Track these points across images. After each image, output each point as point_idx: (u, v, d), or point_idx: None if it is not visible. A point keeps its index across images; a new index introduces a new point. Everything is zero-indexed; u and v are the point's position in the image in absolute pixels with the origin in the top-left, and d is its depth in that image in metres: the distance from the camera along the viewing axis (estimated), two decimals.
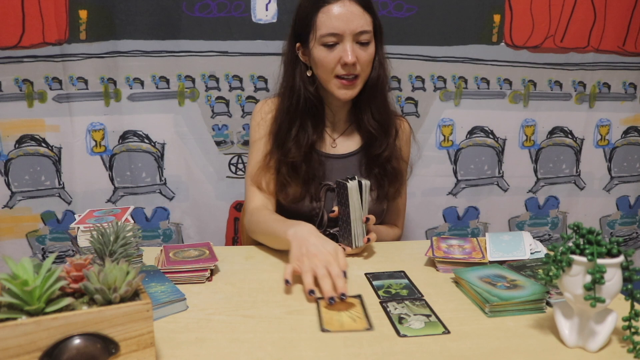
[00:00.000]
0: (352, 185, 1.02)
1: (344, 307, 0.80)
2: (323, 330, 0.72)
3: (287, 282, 0.87)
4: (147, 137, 1.53)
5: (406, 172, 1.31)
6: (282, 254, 1.07)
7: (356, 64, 1.11)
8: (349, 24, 1.09)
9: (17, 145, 1.48)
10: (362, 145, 1.25)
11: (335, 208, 1.09)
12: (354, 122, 1.26)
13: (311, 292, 0.83)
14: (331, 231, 1.20)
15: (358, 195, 1.03)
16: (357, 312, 0.78)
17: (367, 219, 1.04)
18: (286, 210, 1.21)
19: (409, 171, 1.35)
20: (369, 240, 1.04)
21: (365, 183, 1.03)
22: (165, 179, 1.57)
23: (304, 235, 0.93)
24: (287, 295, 0.86)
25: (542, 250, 0.97)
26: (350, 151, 1.25)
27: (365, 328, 0.73)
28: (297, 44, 1.18)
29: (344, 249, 1.05)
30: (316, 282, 0.85)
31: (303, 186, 1.18)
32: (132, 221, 0.90)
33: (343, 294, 0.80)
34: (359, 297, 0.84)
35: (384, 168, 1.21)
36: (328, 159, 1.23)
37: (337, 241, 1.20)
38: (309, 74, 1.17)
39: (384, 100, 1.21)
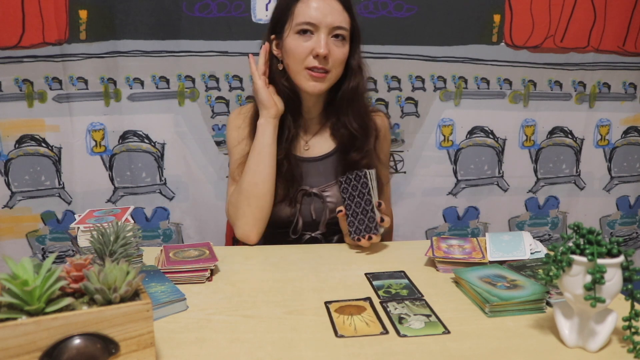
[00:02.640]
0: (371, 172, 1.05)
1: (355, 311, 0.79)
2: (338, 336, 0.71)
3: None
4: (147, 137, 1.53)
5: (386, 176, 1.30)
6: (283, 254, 1.08)
7: (328, 57, 1.10)
8: (326, 16, 1.09)
9: (17, 145, 1.48)
10: (336, 148, 1.22)
11: (342, 207, 1.09)
12: (327, 124, 1.24)
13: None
14: (312, 234, 1.20)
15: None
16: (369, 316, 0.77)
17: (380, 204, 1.06)
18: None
19: (390, 169, 1.36)
20: (382, 219, 1.05)
21: (372, 171, 1.06)
22: (165, 179, 1.57)
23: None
24: (287, 295, 0.86)
25: (542, 250, 0.97)
26: (323, 153, 1.23)
27: (380, 332, 0.72)
28: (272, 36, 1.17)
29: (369, 238, 1.05)
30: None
31: (284, 187, 1.17)
32: (132, 221, 0.90)
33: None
34: (368, 299, 0.83)
35: None
36: (303, 162, 1.22)
37: (323, 242, 1.20)
38: (280, 67, 1.16)
39: (364, 106, 1.21)
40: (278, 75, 1.16)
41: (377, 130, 1.24)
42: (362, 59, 1.20)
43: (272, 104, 1.14)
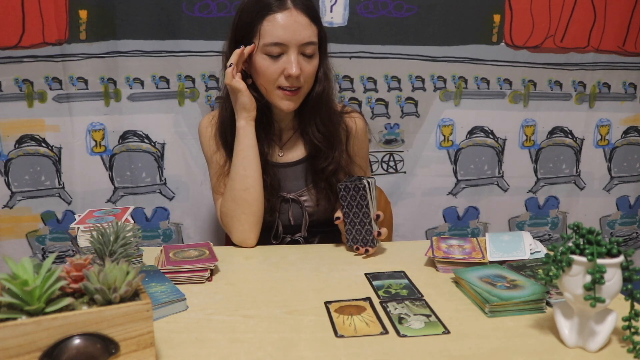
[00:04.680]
0: (370, 182, 1.03)
1: (355, 311, 0.79)
2: (338, 336, 0.71)
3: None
4: (147, 137, 1.53)
5: (366, 171, 1.28)
6: (283, 254, 1.08)
7: (300, 76, 1.07)
8: (295, 34, 1.04)
9: (17, 145, 1.48)
10: (307, 155, 1.21)
11: (340, 214, 1.08)
12: (298, 130, 1.21)
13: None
14: (293, 237, 1.20)
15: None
16: (369, 316, 0.77)
17: (378, 216, 1.05)
18: None
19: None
20: (379, 233, 1.05)
21: (371, 181, 1.05)
22: (165, 179, 1.57)
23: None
24: (287, 295, 0.86)
25: (542, 250, 0.97)
26: (296, 160, 1.21)
27: (380, 332, 0.72)
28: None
29: (366, 251, 1.05)
30: None
31: (266, 197, 1.15)
32: (132, 221, 0.90)
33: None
34: (368, 299, 0.83)
35: (329, 182, 1.17)
36: (279, 168, 1.20)
37: (304, 243, 1.20)
38: (248, 82, 1.12)
39: (329, 112, 1.17)
40: (249, 88, 1.11)
41: (348, 131, 1.21)
42: (329, 65, 1.17)
43: (253, 106, 1.11)
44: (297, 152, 1.22)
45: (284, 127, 1.22)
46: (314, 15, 1.09)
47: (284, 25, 1.04)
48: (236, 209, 1.13)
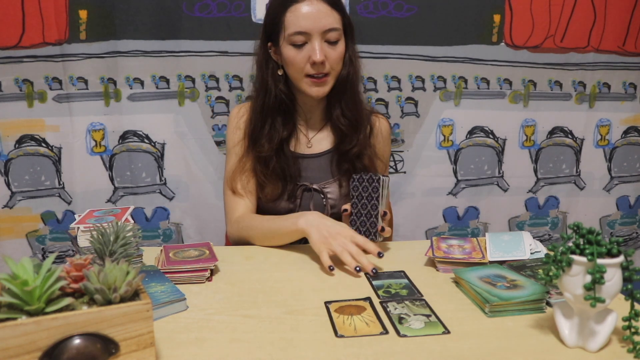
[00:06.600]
0: (384, 179, 1.05)
1: (355, 311, 0.79)
2: (338, 336, 0.71)
3: (331, 268, 0.95)
4: (147, 137, 1.53)
5: (384, 171, 1.32)
6: (283, 254, 1.08)
7: (325, 62, 1.11)
8: (316, 22, 1.09)
9: (17, 145, 1.48)
10: (335, 146, 1.25)
11: (348, 207, 1.10)
12: (329, 120, 1.25)
13: (357, 268, 0.93)
14: None
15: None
16: (369, 316, 0.77)
17: (385, 213, 1.07)
18: (264, 212, 1.23)
19: (390, 169, 1.38)
20: (383, 229, 1.06)
21: (386, 179, 1.07)
22: (165, 179, 1.57)
23: (318, 220, 1.02)
24: (287, 295, 0.86)
25: (542, 250, 0.97)
26: (324, 150, 1.25)
27: (380, 332, 0.72)
28: (269, 43, 1.18)
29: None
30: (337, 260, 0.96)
31: (279, 184, 1.19)
32: (132, 221, 0.90)
33: (374, 269, 0.93)
34: (368, 299, 0.83)
35: (354, 165, 1.21)
36: (303, 159, 1.23)
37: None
38: (280, 72, 1.18)
39: (354, 96, 1.22)
40: (276, 80, 1.18)
41: (372, 127, 1.25)
42: (356, 51, 1.21)
43: None
44: (325, 143, 1.26)
45: (314, 119, 1.26)
46: (335, 2, 1.13)
47: (305, 14, 1.09)
48: (236, 236, 1.20)
